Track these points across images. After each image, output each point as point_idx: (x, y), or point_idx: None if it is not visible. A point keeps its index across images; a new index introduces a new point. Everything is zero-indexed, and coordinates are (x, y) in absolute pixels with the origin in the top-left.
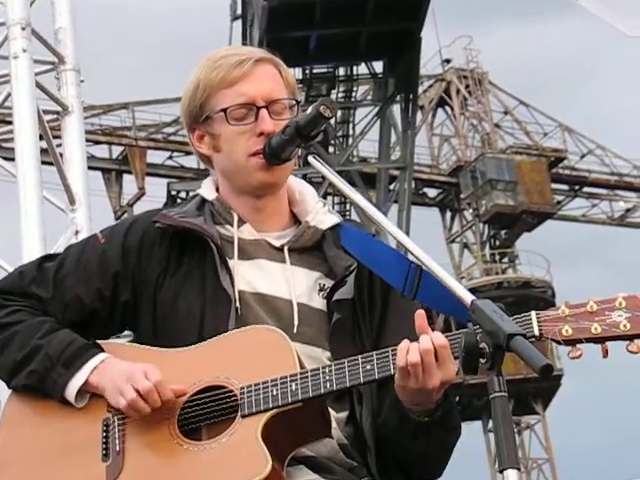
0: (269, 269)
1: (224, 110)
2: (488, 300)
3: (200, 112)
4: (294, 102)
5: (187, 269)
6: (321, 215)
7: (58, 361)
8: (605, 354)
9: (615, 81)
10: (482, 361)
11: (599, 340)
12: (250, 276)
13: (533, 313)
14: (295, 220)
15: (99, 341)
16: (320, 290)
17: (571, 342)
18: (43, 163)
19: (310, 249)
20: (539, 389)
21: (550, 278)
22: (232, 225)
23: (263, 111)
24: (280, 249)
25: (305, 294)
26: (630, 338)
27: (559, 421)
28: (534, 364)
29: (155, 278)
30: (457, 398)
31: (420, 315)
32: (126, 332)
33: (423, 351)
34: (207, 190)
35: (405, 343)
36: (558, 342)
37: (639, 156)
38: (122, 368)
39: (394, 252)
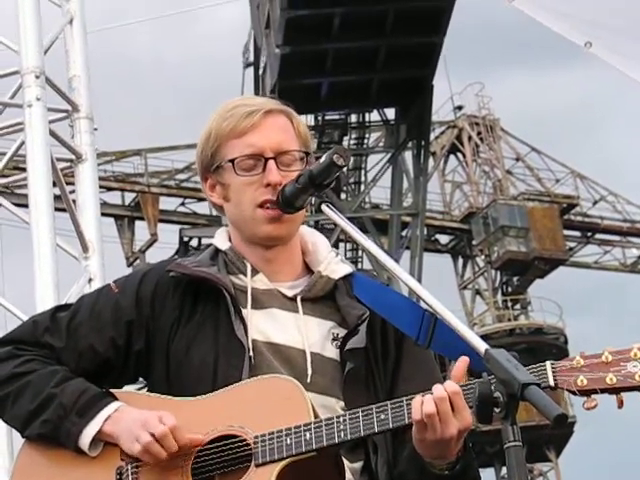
0: (282, 319)
1: (232, 160)
2: (502, 349)
3: (211, 161)
4: (304, 154)
5: (200, 318)
6: (333, 265)
7: (72, 410)
8: (620, 405)
9: (626, 128)
10: (496, 410)
11: (614, 391)
12: (263, 326)
13: (548, 363)
14: (308, 270)
15: (113, 390)
16: (333, 340)
17: (586, 393)
18: (56, 210)
19: (323, 299)
20: (552, 436)
21: (563, 325)
22: (245, 275)
23: (270, 162)
24: (293, 299)
25: (318, 343)
26: None
27: (572, 468)
28: (549, 413)
29: (169, 327)
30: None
31: (463, 361)
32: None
33: (438, 399)
34: (220, 240)
35: (419, 397)
36: (573, 392)
37: None
38: (136, 416)
39: (407, 300)
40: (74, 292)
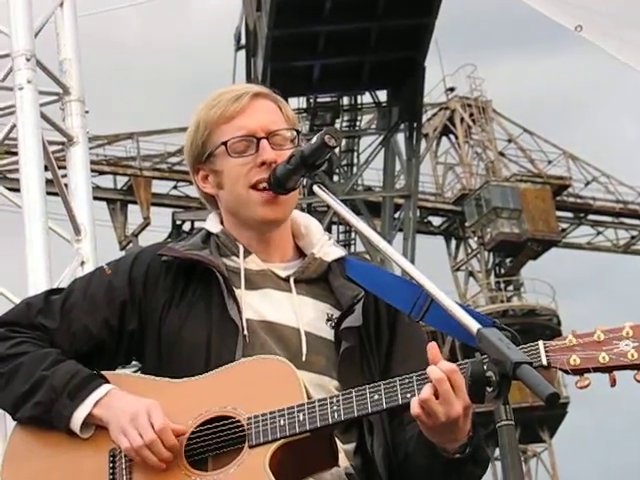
0: (276, 298)
1: (225, 143)
2: (494, 328)
3: (202, 151)
4: (295, 133)
5: (193, 299)
6: (326, 247)
7: (63, 392)
8: (613, 383)
9: (619, 110)
10: (489, 390)
11: (607, 369)
12: (257, 305)
13: (541, 343)
14: (300, 253)
15: (104, 372)
16: (328, 320)
17: (579, 371)
18: (48, 194)
19: (316, 281)
20: (545, 417)
21: (555, 306)
22: (238, 256)
23: (263, 141)
24: (286, 280)
25: (312, 323)
26: (638, 367)
27: (566, 449)
28: (541, 393)
29: (160, 308)
30: None
31: (433, 347)
32: (134, 362)
33: (437, 381)
34: (212, 224)
35: (415, 400)
36: (566, 371)
37: None
38: (126, 406)
39: (401, 279)
40: (66, 275)
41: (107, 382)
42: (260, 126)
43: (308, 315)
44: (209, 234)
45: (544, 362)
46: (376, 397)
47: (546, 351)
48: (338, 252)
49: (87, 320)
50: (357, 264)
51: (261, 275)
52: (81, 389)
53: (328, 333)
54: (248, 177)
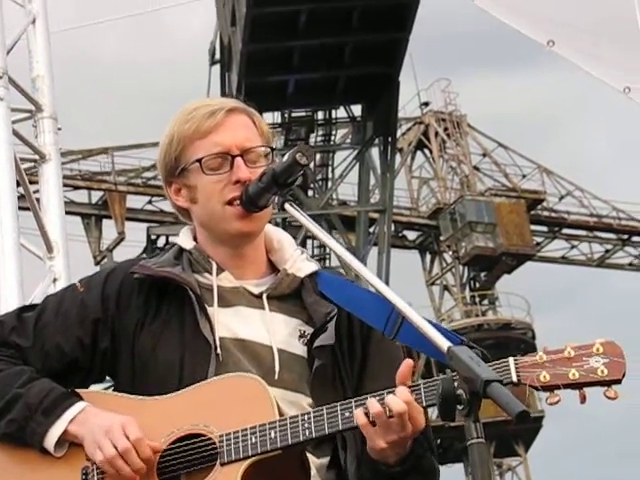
0: (249, 315)
1: (199, 160)
2: (464, 346)
3: (176, 165)
4: (269, 150)
5: (166, 317)
6: (299, 263)
7: (37, 410)
8: (583, 400)
9: (593, 125)
10: (459, 407)
11: (577, 386)
12: (230, 322)
13: (511, 359)
14: (273, 268)
15: (79, 390)
16: (300, 337)
17: (549, 388)
18: (20, 208)
19: (289, 297)
20: (520, 431)
21: (530, 320)
22: (211, 273)
23: (238, 159)
24: (259, 296)
25: (285, 340)
26: (608, 384)
27: (541, 462)
28: (510, 410)
29: (133, 326)
30: (438, 441)
31: (407, 364)
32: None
33: (397, 414)
34: (185, 239)
35: (360, 410)
36: (536, 388)
37: (618, 197)
38: (101, 421)
39: (374, 296)
40: (39, 292)
41: (81, 400)
42: (235, 143)
43: (281, 332)
44: (182, 250)
45: (514, 379)
46: (347, 414)
47: (516, 368)
48: (311, 267)
49: (60, 338)
50: (330, 279)
51: (234, 292)
52: (56, 406)
53: (301, 350)
54: (223, 194)
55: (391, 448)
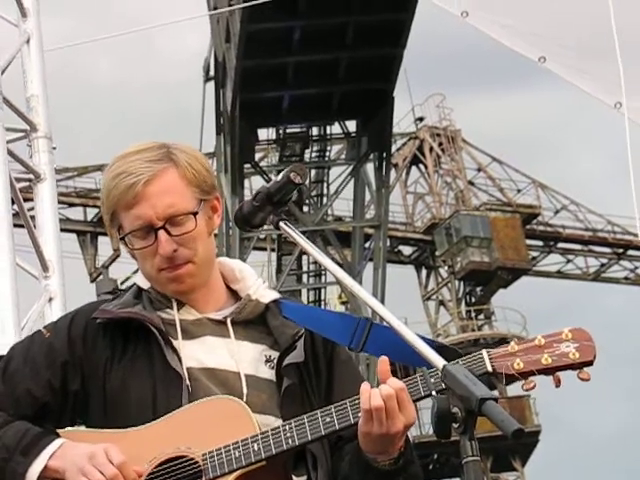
0: (215, 344)
1: (125, 236)
2: (459, 365)
3: (112, 223)
4: (199, 201)
5: (133, 356)
6: (262, 290)
7: (15, 450)
8: (558, 383)
9: (587, 140)
10: (455, 425)
11: (550, 370)
12: (197, 353)
13: (484, 351)
14: (236, 297)
15: (56, 429)
16: (267, 361)
17: (524, 375)
18: (15, 226)
19: (253, 323)
20: (517, 446)
21: (526, 334)
22: (172, 309)
23: (160, 233)
24: (223, 322)
25: (252, 365)
26: (580, 367)
27: (538, 477)
28: (506, 428)
29: (102, 366)
30: (435, 456)
31: (383, 361)
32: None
33: (385, 397)
34: (142, 279)
35: (366, 386)
36: (512, 375)
37: (613, 212)
38: (82, 450)
39: (336, 314)
40: (35, 311)
41: (59, 437)
42: (156, 214)
43: (246, 358)
44: (140, 290)
45: (489, 369)
46: (328, 419)
47: (490, 358)
48: (273, 295)
49: (30, 384)
50: (292, 305)
51: (197, 324)
52: (34, 445)
53: (269, 374)
54: (154, 262)
55: (388, 444)
